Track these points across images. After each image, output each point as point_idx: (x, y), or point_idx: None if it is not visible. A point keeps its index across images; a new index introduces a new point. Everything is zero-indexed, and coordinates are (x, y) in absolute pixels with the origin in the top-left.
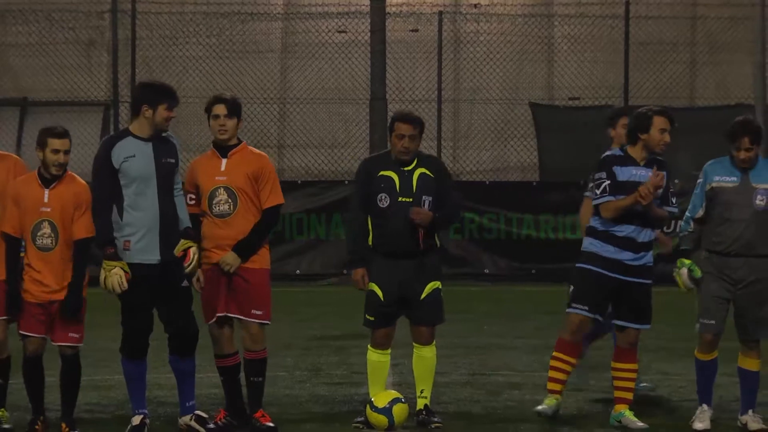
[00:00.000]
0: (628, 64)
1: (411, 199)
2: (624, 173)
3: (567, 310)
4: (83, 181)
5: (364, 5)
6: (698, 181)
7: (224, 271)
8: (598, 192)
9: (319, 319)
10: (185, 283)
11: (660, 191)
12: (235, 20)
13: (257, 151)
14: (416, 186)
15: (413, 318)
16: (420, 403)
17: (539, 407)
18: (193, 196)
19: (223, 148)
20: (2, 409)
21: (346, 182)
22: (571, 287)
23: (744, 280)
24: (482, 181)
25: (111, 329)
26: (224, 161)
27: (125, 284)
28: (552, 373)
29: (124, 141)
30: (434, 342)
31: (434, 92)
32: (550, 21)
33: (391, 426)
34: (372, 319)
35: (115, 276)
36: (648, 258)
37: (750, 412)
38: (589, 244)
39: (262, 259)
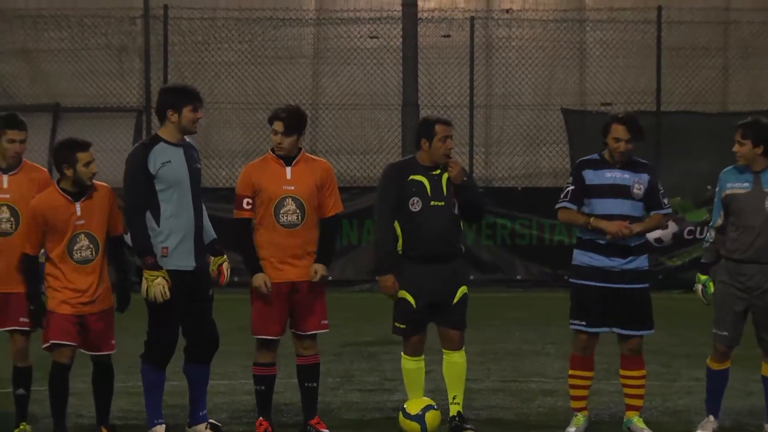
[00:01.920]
0: (660, 70)
1: (443, 203)
2: (597, 177)
3: (570, 325)
4: (105, 184)
5: (396, 11)
6: (716, 189)
7: (284, 287)
8: (562, 196)
9: (350, 326)
10: (211, 291)
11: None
12: (267, 26)
13: (317, 158)
14: (446, 189)
15: (445, 322)
16: (453, 410)
17: (569, 429)
18: (251, 202)
19: (285, 157)
20: (24, 423)
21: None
22: (570, 303)
23: (759, 288)
24: (515, 187)
25: (142, 335)
26: (289, 169)
27: (168, 293)
28: (573, 392)
29: (159, 147)
30: (464, 347)
31: (466, 98)
32: (582, 26)
33: None
34: (403, 326)
35: (158, 286)
36: (640, 262)
37: None
38: (577, 255)
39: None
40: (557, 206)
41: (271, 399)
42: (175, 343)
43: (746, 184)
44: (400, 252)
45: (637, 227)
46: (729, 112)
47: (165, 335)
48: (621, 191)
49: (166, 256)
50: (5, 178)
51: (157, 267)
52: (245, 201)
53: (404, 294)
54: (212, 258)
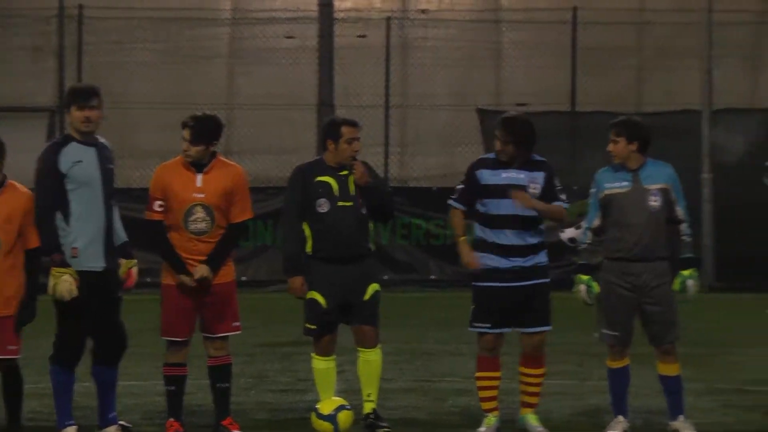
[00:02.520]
0: (575, 70)
1: (351, 203)
2: (493, 176)
3: (470, 328)
4: (26, 189)
5: (312, 11)
6: (591, 190)
7: (193, 288)
8: (453, 196)
9: (264, 327)
10: (120, 292)
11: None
12: (183, 25)
13: (231, 162)
14: (354, 189)
15: (357, 320)
16: (367, 407)
17: (480, 429)
18: (162, 204)
19: (197, 163)
20: None
21: None
22: (472, 306)
23: (647, 286)
24: (430, 188)
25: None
26: (200, 176)
27: (75, 291)
28: (482, 393)
29: (70, 146)
30: (379, 344)
31: (382, 98)
32: (497, 26)
33: None
34: (314, 327)
35: (65, 283)
36: (539, 258)
37: (680, 417)
38: (479, 258)
39: (230, 271)
40: (448, 203)
41: (182, 400)
42: (84, 344)
43: (625, 183)
44: (310, 253)
45: (534, 202)
46: (644, 113)
47: (73, 336)
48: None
49: (76, 257)
50: None
51: (64, 264)
52: (157, 203)
53: (314, 294)
54: (123, 261)
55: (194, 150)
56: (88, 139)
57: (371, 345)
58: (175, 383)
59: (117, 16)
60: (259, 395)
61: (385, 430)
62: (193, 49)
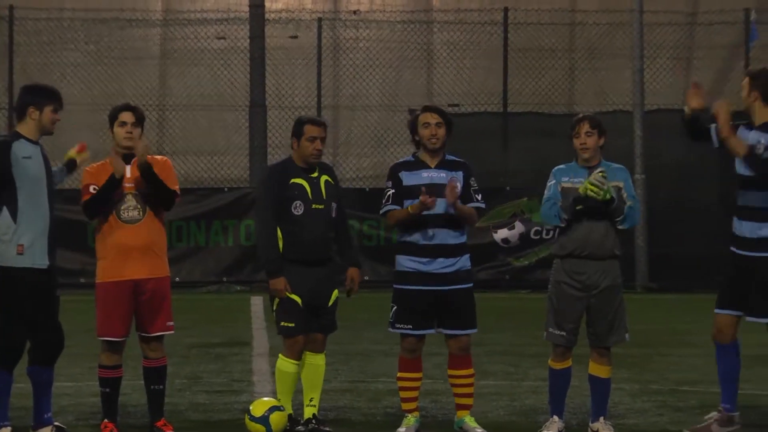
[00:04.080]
0: (507, 71)
1: (323, 206)
2: (414, 178)
3: (390, 329)
4: None
5: (243, 11)
6: (549, 183)
7: (129, 287)
8: (384, 201)
9: (198, 327)
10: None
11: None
12: (114, 26)
13: (158, 156)
14: (326, 192)
15: (317, 326)
16: (308, 412)
17: (399, 430)
18: (96, 186)
19: (125, 156)
20: None
21: (226, 189)
22: (393, 306)
23: (597, 286)
24: (363, 188)
25: None
26: (128, 168)
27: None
28: (403, 393)
29: (19, 143)
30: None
31: (314, 99)
32: (429, 27)
33: None
34: (292, 325)
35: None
36: (463, 262)
37: (601, 419)
38: (400, 260)
39: (164, 266)
40: (382, 212)
41: (117, 401)
42: (24, 345)
43: (581, 179)
44: (282, 254)
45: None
46: (575, 113)
47: (14, 336)
48: (438, 190)
49: (21, 254)
50: None
51: None
52: (91, 187)
53: (289, 294)
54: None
55: (137, 132)
56: (35, 138)
57: (321, 350)
58: (110, 385)
59: (48, 17)
60: (193, 396)
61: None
62: (124, 50)
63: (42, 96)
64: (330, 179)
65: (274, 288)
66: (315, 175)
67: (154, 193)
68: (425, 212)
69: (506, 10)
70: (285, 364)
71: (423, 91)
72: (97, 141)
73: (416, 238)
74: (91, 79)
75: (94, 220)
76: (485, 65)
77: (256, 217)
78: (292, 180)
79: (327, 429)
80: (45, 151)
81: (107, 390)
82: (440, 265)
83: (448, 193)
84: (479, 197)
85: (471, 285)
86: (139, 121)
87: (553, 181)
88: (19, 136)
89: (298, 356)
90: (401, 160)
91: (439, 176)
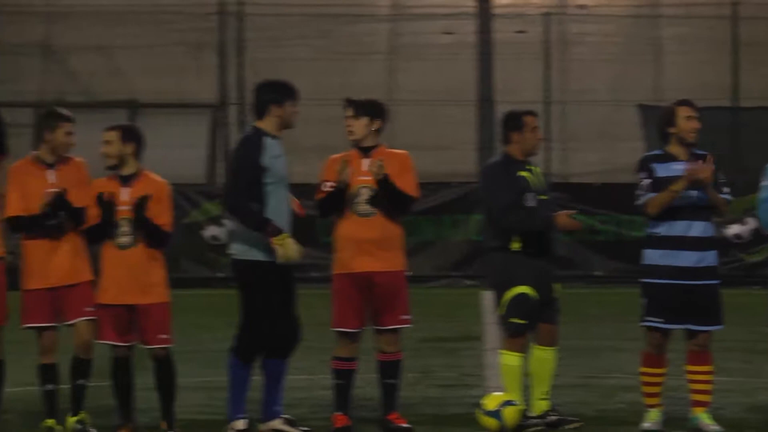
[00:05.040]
0: (737, 65)
1: (546, 197)
2: (664, 170)
3: (641, 323)
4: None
5: (470, 6)
6: (763, 183)
7: (363, 279)
8: (640, 192)
9: (428, 321)
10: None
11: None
12: (342, 22)
13: (394, 150)
14: (544, 183)
15: (548, 317)
16: (543, 406)
17: (644, 425)
18: (330, 183)
19: (363, 149)
20: (83, 412)
21: (454, 184)
22: (643, 300)
23: None
24: (591, 183)
25: (217, 330)
26: (365, 161)
27: (301, 249)
28: (646, 389)
29: (269, 140)
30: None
31: (541, 94)
32: (656, 22)
33: (502, 429)
34: (524, 322)
35: (290, 245)
36: (713, 258)
37: None
38: (650, 254)
39: (399, 260)
40: (641, 202)
41: (349, 393)
42: (268, 338)
43: None
44: (517, 249)
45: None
46: None
47: (270, 327)
48: (692, 182)
49: (265, 247)
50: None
51: (279, 230)
52: (328, 184)
53: (524, 289)
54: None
55: (357, 124)
56: (278, 134)
57: (554, 343)
58: (344, 377)
59: (277, 13)
60: (425, 390)
61: (577, 425)
62: (352, 46)
63: (281, 92)
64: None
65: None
66: (530, 167)
67: (390, 198)
68: (682, 195)
69: (735, 4)
70: (511, 358)
71: (650, 86)
72: (326, 136)
73: (666, 230)
74: (319, 74)
75: (327, 218)
76: (714, 59)
77: (496, 213)
78: (519, 173)
79: (572, 418)
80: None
81: (341, 382)
82: (690, 258)
83: (700, 170)
84: (727, 190)
85: (719, 282)
86: (360, 112)
87: (766, 183)
88: (264, 133)
89: (524, 350)
90: (650, 152)
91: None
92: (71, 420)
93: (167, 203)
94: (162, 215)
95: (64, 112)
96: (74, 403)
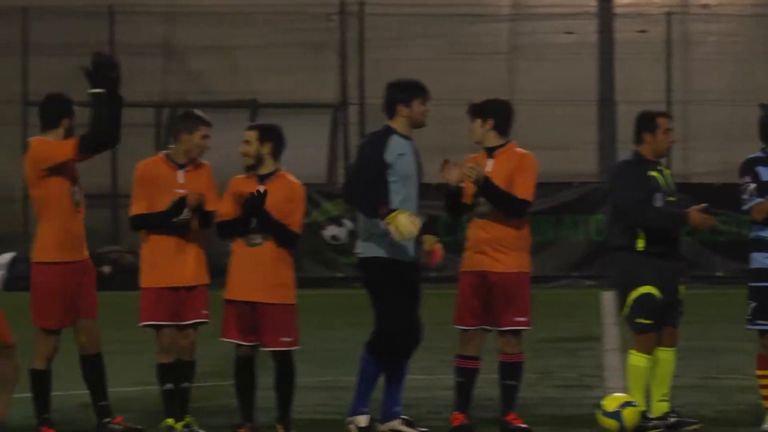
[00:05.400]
0: None
1: (675, 198)
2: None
3: (748, 326)
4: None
5: (591, 6)
6: None
7: (480, 279)
8: (746, 197)
9: (547, 322)
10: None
11: None
12: (462, 21)
13: (521, 150)
14: (672, 184)
15: (671, 319)
16: (663, 407)
17: (765, 426)
18: (464, 186)
19: (488, 149)
20: (188, 416)
21: (575, 184)
22: (752, 303)
23: None
24: (712, 183)
25: (337, 330)
26: (489, 162)
27: (417, 221)
28: (763, 391)
29: (395, 138)
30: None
31: (663, 93)
32: None
33: (621, 431)
34: (650, 322)
35: (403, 219)
36: None
37: None
38: (759, 258)
39: (515, 261)
40: (747, 206)
41: (470, 393)
42: (407, 338)
43: None
44: (642, 249)
45: None
46: None
47: (409, 325)
48: None
49: (392, 245)
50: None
51: (391, 210)
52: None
53: (649, 289)
54: (425, 236)
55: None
56: (407, 133)
57: (673, 345)
58: (465, 376)
59: (397, 13)
60: (545, 390)
61: (696, 427)
62: (472, 45)
63: (408, 91)
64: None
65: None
66: (661, 168)
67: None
68: None
69: None
70: (638, 359)
71: None
72: (445, 136)
73: None
74: (439, 74)
75: (456, 219)
76: None
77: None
78: (649, 172)
79: (691, 420)
80: (415, 145)
81: (461, 380)
82: None
83: None
84: None
85: None
86: (472, 116)
87: None
88: (393, 131)
89: (651, 351)
90: (753, 155)
91: None
92: (178, 425)
93: (299, 204)
94: (292, 215)
95: (204, 115)
96: (179, 406)
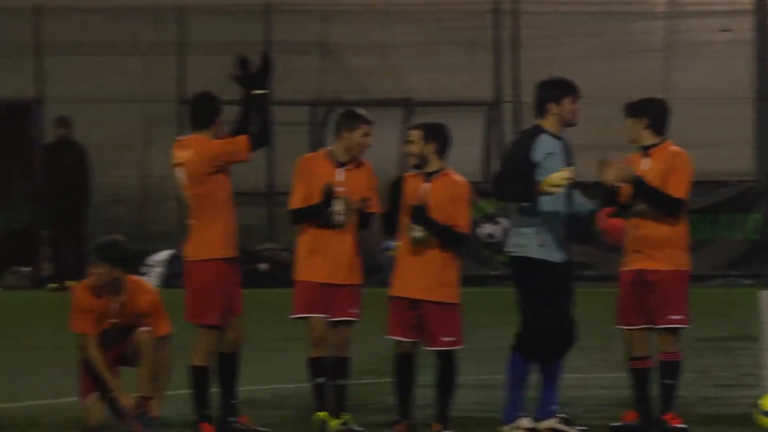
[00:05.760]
0: None
1: None
2: None
3: None
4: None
5: (747, 3)
6: None
7: (636, 277)
8: None
9: (705, 320)
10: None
11: None
12: (618, 20)
13: (675, 148)
14: None
15: None
16: None
17: None
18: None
19: (643, 148)
20: (346, 414)
21: (732, 182)
22: None
23: None
24: None
25: (493, 328)
26: (644, 161)
27: (566, 172)
28: None
29: (543, 137)
30: None
31: None
32: None
33: None
34: None
35: (553, 177)
36: None
37: None
38: None
39: (670, 260)
40: None
41: (644, 392)
42: (551, 338)
43: None
44: None
45: None
46: None
47: (542, 326)
48: None
49: (542, 245)
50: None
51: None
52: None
53: None
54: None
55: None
56: (558, 132)
57: None
58: (636, 376)
59: (552, 11)
60: (702, 390)
61: None
62: (628, 43)
63: (559, 89)
64: None
65: None
66: None
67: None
68: None
69: None
70: None
71: None
72: (593, 135)
73: None
74: (594, 72)
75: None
76: None
77: None
78: None
79: None
80: (568, 144)
81: (634, 381)
82: None
83: None
84: None
85: None
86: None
87: None
88: (542, 130)
89: None
90: None
91: None
92: (335, 422)
93: (464, 204)
94: (457, 215)
95: (365, 114)
96: (335, 403)
